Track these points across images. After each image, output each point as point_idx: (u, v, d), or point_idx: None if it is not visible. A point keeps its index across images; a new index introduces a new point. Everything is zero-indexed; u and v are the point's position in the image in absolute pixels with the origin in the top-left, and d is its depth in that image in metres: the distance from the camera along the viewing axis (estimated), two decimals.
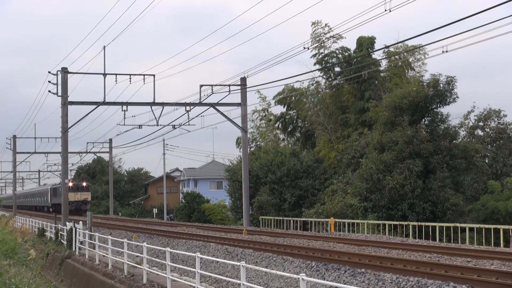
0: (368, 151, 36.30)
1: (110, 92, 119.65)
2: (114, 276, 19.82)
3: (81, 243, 28.30)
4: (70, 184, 60.77)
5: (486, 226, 26.95)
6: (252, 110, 58.59)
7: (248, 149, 50.06)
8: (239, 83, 38.64)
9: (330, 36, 45.93)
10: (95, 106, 37.81)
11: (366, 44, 44.98)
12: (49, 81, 38.05)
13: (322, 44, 47.25)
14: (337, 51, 47.91)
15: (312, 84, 50.31)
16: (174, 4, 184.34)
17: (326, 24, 47.59)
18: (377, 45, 45.47)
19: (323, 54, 48.12)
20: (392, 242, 22.34)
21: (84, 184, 69.68)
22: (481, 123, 44.03)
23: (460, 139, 38.69)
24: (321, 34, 47.58)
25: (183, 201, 61.77)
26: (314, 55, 48.36)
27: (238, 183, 44.20)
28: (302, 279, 9.41)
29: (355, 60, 45.17)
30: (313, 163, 44.96)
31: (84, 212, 59.30)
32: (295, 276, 10.28)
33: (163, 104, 37.82)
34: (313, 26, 48.19)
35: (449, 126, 35.88)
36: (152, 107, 37.71)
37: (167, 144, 72.53)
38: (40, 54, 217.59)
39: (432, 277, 13.19)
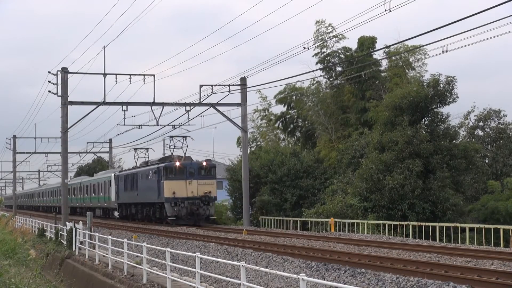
0: (368, 151, 36.30)
1: (110, 92, 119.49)
2: (114, 276, 19.82)
3: (81, 243, 28.29)
4: (177, 163, 36.39)
5: (486, 226, 26.94)
6: (252, 110, 58.59)
7: (249, 148, 50.04)
8: (239, 83, 38.65)
9: (333, 36, 45.93)
10: (95, 106, 37.84)
11: (367, 44, 44.99)
12: (49, 81, 38.08)
13: (325, 44, 47.24)
14: (339, 51, 47.91)
15: (313, 84, 50.32)
16: (174, 4, 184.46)
17: (330, 24, 47.61)
18: (377, 45, 45.50)
19: (325, 54, 48.11)
20: (392, 242, 22.34)
21: (204, 163, 37.53)
22: (481, 123, 44.00)
23: (460, 139, 38.68)
24: (324, 34, 47.57)
25: None
26: (316, 54, 48.38)
27: (238, 182, 44.17)
28: (302, 279, 9.40)
29: (356, 59, 45.17)
30: (313, 163, 44.94)
31: (207, 222, 36.93)
32: (295, 276, 10.28)
33: (163, 104, 37.84)
34: (317, 24, 48.18)
35: (449, 126, 35.87)
36: (152, 107, 37.75)
37: (167, 144, 72.20)
38: (40, 54, 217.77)
39: (432, 277, 13.19)
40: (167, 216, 36.62)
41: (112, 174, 49.05)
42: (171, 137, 39.97)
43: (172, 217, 36.08)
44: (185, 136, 40.02)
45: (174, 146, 39.57)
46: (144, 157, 46.58)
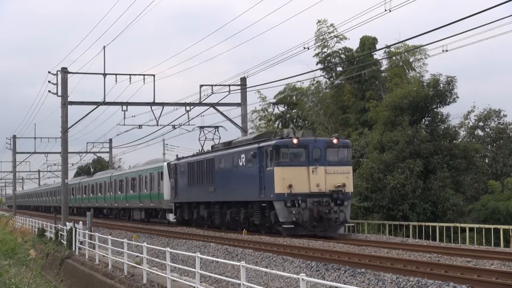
0: (368, 151, 36.31)
1: (110, 92, 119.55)
2: (114, 276, 19.82)
3: (81, 243, 28.29)
4: (295, 140, 25.04)
5: (486, 226, 26.97)
6: (251, 111, 58.57)
7: None
8: (239, 83, 38.67)
9: (334, 36, 45.95)
10: (95, 106, 37.86)
11: (368, 44, 45.02)
12: (49, 81, 38.10)
13: (325, 44, 47.27)
14: (339, 51, 47.93)
15: (313, 84, 50.34)
16: (174, 4, 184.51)
17: (331, 24, 47.63)
18: (378, 45, 45.53)
19: (325, 54, 48.13)
20: (392, 242, 22.34)
21: (335, 140, 25.76)
22: (481, 123, 44.02)
23: (460, 139, 38.70)
24: (325, 33, 47.58)
25: None
26: (316, 54, 48.40)
27: None
28: (302, 279, 9.40)
29: (357, 59, 45.21)
30: None
31: (339, 230, 25.47)
32: (295, 276, 10.28)
33: (163, 104, 37.85)
34: (318, 24, 48.20)
35: (449, 126, 35.91)
36: (152, 107, 37.76)
37: (167, 144, 72.15)
38: (40, 54, 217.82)
39: (432, 277, 13.18)
40: (278, 222, 24.67)
41: (165, 164, 38.97)
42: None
43: (288, 225, 24.32)
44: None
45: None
46: (213, 139, 36.01)
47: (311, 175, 24.77)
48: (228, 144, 31.19)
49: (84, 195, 61.61)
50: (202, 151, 35.06)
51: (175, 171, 35.83)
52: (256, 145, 26.45)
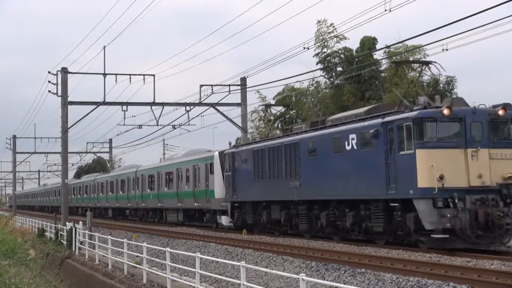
0: None
1: (110, 92, 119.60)
2: (114, 276, 19.82)
3: (81, 243, 28.28)
4: (445, 111, 17.76)
5: None
6: (250, 111, 58.58)
7: None
8: (239, 83, 38.66)
9: (334, 36, 45.95)
10: (95, 106, 37.86)
11: (368, 44, 45.01)
12: (49, 81, 38.08)
13: (325, 44, 47.26)
14: (339, 51, 47.92)
15: (312, 84, 50.32)
16: (174, 4, 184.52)
17: (331, 24, 47.61)
18: (378, 46, 45.53)
19: (325, 54, 48.11)
20: (392, 242, 22.32)
21: (500, 112, 18.34)
22: None
23: None
24: (325, 33, 47.57)
25: None
26: (316, 55, 48.39)
27: None
28: (302, 279, 9.40)
29: (356, 59, 45.20)
30: None
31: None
32: (295, 276, 10.28)
33: (163, 104, 37.86)
34: (318, 24, 48.19)
35: None
36: (152, 107, 37.77)
37: (167, 144, 72.03)
38: (40, 54, 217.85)
39: (432, 277, 13.19)
40: (422, 230, 18.10)
41: (216, 153, 31.60)
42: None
43: (438, 234, 17.62)
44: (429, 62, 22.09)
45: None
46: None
47: (470, 162, 17.78)
48: (321, 123, 23.59)
49: (101, 194, 55.03)
50: (268, 136, 29.38)
51: (232, 161, 28.79)
52: (377, 121, 19.54)
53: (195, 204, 34.05)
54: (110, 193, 52.11)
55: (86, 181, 60.34)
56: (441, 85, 34.48)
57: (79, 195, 63.98)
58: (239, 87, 38.63)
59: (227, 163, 29.43)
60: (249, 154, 27.45)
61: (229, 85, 37.73)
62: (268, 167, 25.71)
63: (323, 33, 47.85)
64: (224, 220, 30.46)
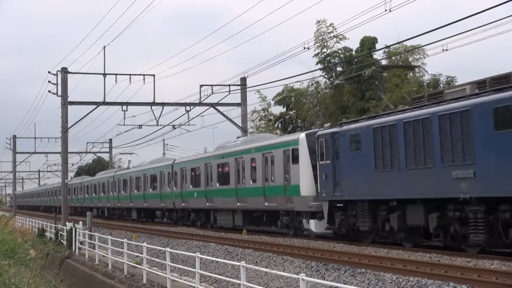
0: None
1: (110, 92, 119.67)
2: (114, 276, 19.82)
3: (81, 243, 28.29)
4: None
5: None
6: (251, 111, 58.61)
7: None
8: (239, 83, 38.67)
9: (334, 36, 45.94)
10: (95, 106, 37.89)
11: (368, 44, 45.01)
12: (49, 81, 38.12)
13: (325, 44, 47.26)
14: (339, 51, 47.92)
15: (312, 84, 50.31)
16: (174, 4, 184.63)
17: (331, 24, 47.61)
18: (378, 46, 45.53)
19: (325, 54, 48.11)
20: (392, 242, 22.32)
21: None
22: None
23: None
24: (325, 33, 47.57)
25: None
26: (316, 55, 48.39)
27: None
28: (302, 279, 9.40)
29: (356, 60, 45.20)
30: None
31: None
32: (295, 276, 10.28)
33: (163, 104, 37.89)
34: (317, 24, 48.19)
35: None
36: (152, 107, 37.82)
37: (167, 144, 71.92)
38: (40, 54, 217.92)
39: (432, 277, 13.19)
40: None
41: (301, 135, 24.24)
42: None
43: None
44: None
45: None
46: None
47: None
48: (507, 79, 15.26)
49: (123, 192, 47.74)
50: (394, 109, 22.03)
51: (332, 145, 21.61)
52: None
53: (266, 204, 26.65)
54: (135, 191, 44.81)
55: (103, 178, 53.24)
56: (441, 85, 34.46)
57: (94, 194, 56.30)
58: (239, 87, 38.64)
59: (323, 148, 22.19)
60: (366, 133, 19.98)
61: (229, 85, 37.78)
62: (406, 150, 18.13)
63: (322, 33, 47.87)
64: (315, 225, 23.05)
